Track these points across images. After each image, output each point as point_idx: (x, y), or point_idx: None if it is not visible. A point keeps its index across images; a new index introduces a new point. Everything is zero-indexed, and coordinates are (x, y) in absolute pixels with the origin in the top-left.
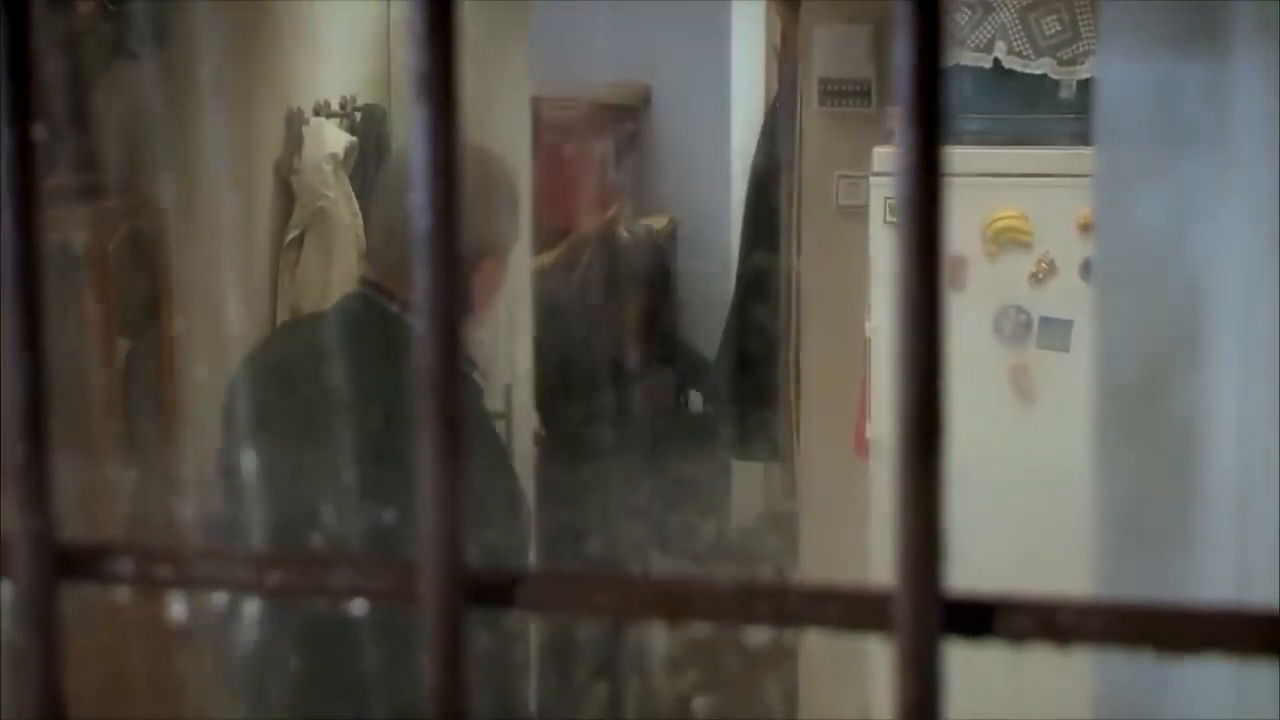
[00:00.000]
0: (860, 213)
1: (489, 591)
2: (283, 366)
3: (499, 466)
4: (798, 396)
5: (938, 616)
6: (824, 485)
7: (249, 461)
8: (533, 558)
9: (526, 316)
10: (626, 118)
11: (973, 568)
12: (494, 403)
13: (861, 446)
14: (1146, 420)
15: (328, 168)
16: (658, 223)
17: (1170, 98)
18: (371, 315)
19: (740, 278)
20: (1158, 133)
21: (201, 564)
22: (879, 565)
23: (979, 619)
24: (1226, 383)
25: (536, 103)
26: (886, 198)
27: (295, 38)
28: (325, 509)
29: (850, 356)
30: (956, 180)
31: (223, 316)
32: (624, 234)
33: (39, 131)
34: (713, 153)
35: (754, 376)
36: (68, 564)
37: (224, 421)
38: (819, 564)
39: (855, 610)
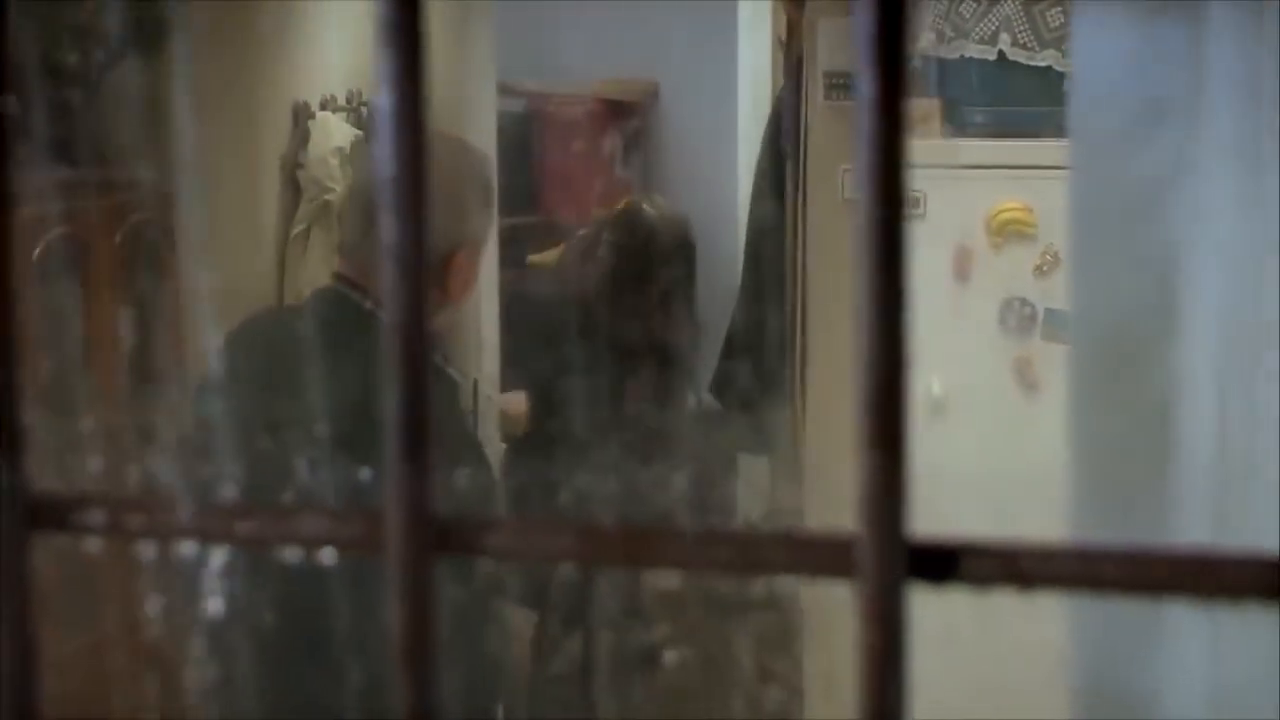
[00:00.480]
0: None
1: (455, 539)
2: (253, 360)
3: (478, 463)
4: (804, 389)
5: (901, 561)
6: (830, 478)
7: (217, 446)
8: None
9: (494, 314)
10: (634, 114)
11: (1027, 630)
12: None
13: None
14: (1123, 387)
15: (334, 162)
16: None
17: (1146, 62)
18: (345, 311)
19: (746, 271)
20: (1133, 97)
21: (172, 514)
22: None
23: (943, 564)
24: (1204, 349)
25: (543, 100)
26: None
27: (302, 32)
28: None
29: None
30: (961, 172)
31: (229, 310)
32: (648, 209)
33: (10, 104)
34: (720, 148)
35: (760, 369)
36: (39, 514)
37: (194, 405)
38: None
39: (819, 556)
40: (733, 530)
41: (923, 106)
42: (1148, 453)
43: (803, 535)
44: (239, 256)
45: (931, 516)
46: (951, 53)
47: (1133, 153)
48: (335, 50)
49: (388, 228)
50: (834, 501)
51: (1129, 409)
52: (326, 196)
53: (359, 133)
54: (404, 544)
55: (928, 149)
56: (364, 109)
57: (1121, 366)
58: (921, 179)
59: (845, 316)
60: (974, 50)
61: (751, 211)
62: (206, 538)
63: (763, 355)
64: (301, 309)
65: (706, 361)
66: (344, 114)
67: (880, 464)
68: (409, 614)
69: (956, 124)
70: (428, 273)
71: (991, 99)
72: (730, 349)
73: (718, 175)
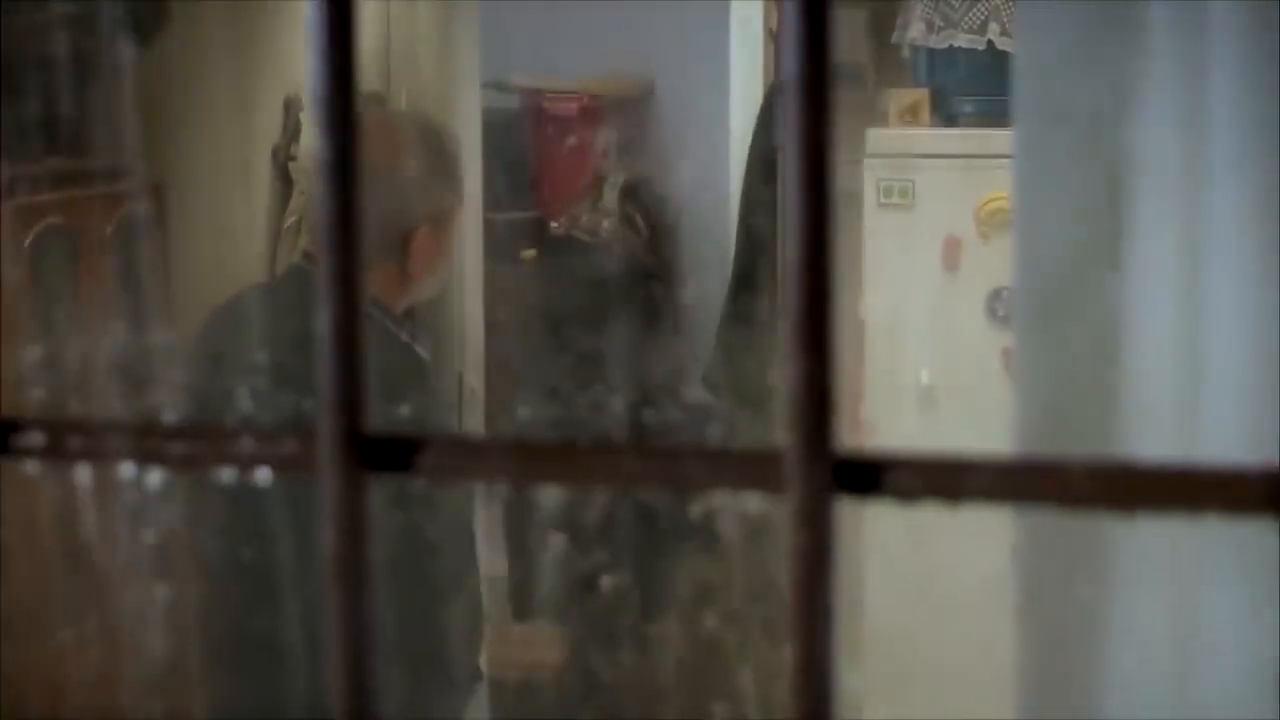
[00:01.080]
0: (854, 196)
1: (387, 457)
2: (227, 334)
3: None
4: None
5: (828, 475)
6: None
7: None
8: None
9: (477, 304)
10: (628, 110)
11: (971, 548)
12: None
13: (856, 430)
14: (1067, 319)
15: None
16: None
17: None
18: (313, 285)
19: (736, 263)
20: (1077, 24)
21: (110, 436)
22: (873, 544)
23: (868, 477)
24: (1148, 280)
25: (535, 96)
26: (880, 180)
27: (294, 24)
28: None
29: (845, 339)
30: (950, 162)
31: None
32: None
33: None
34: (712, 143)
35: (750, 362)
36: None
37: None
38: None
39: (747, 471)
40: (663, 446)
41: (912, 96)
42: (1095, 387)
43: (733, 452)
44: (231, 248)
45: (930, 561)
46: (941, 42)
47: (1077, 79)
48: None
49: (320, 196)
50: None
51: (1072, 340)
52: None
53: None
54: (336, 463)
55: (917, 139)
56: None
57: (1065, 296)
58: (911, 169)
59: (836, 319)
60: (963, 40)
61: (743, 202)
62: (143, 459)
63: (752, 346)
64: (273, 286)
65: (699, 354)
66: None
67: (806, 374)
68: (341, 533)
69: (946, 114)
70: (385, 242)
71: (981, 89)
72: (722, 341)
73: (711, 169)
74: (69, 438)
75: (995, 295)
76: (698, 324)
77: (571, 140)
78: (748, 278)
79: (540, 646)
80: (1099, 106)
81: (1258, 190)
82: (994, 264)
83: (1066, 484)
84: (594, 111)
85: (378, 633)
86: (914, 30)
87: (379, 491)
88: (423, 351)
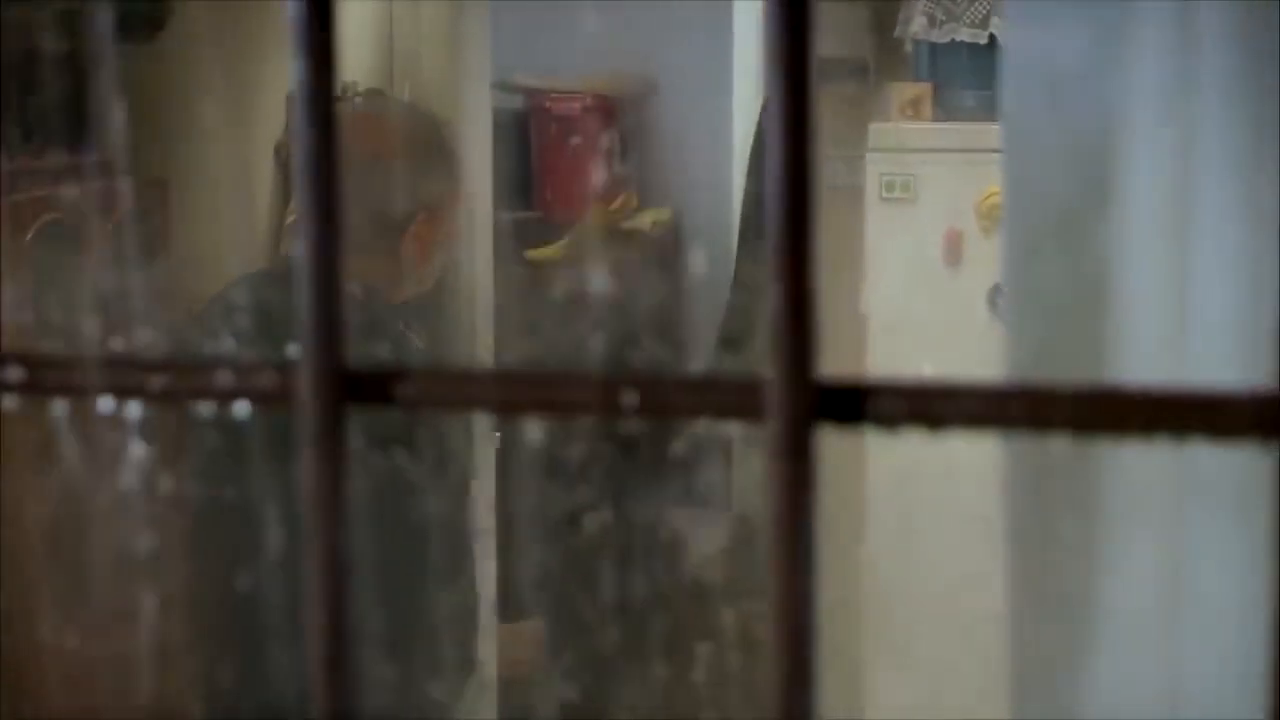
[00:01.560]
0: (856, 191)
1: (367, 388)
2: (226, 317)
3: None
4: None
5: (810, 402)
6: (822, 463)
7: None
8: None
9: (488, 307)
10: (630, 110)
11: (977, 539)
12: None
13: None
14: (1057, 265)
15: None
16: (660, 214)
17: None
18: None
19: (739, 259)
20: None
21: (87, 370)
22: (876, 539)
23: (851, 404)
24: (1138, 224)
25: (539, 95)
26: (882, 174)
27: None
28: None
29: (846, 334)
30: (952, 156)
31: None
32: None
33: None
34: (715, 142)
35: (752, 359)
36: None
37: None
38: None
39: (729, 398)
40: (645, 374)
41: (914, 90)
42: (1080, 332)
43: (714, 379)
44: (232, 243)
45: (926, 499)
46: (943, 36)
47: (1066, 23)
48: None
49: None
50: (824, 484)
51: (1061, 287)
52: None
53: None
54: (315, 394)
55: (919, 133)
56: (357, 99)
57: (1055, 241)
58: (913, 163)
59: (835, 299)
60: (965, 34)
61: (744, 198)
62: (121, 393)
63: (754, 343)
64: (272, 270)
65: (701, 355)
66: (339, 105)
67: (788, 299)
68: (319, 465)
69: (948, 108)
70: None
71: (982, 83)
72: (725, 339)
73: (713, 169)
74: (47, 372)
75: (997, 289)
76: (701, 323)
77: (575, 140)
78: (750, 274)
79: (526, 644)
80: (1088, 55)
81: (1244, 134)
82: (995, 258)
83: (1051, 409)
84: (597, 111)
85: (354, 577)
86: (916, 24)
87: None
88: (418, 341)
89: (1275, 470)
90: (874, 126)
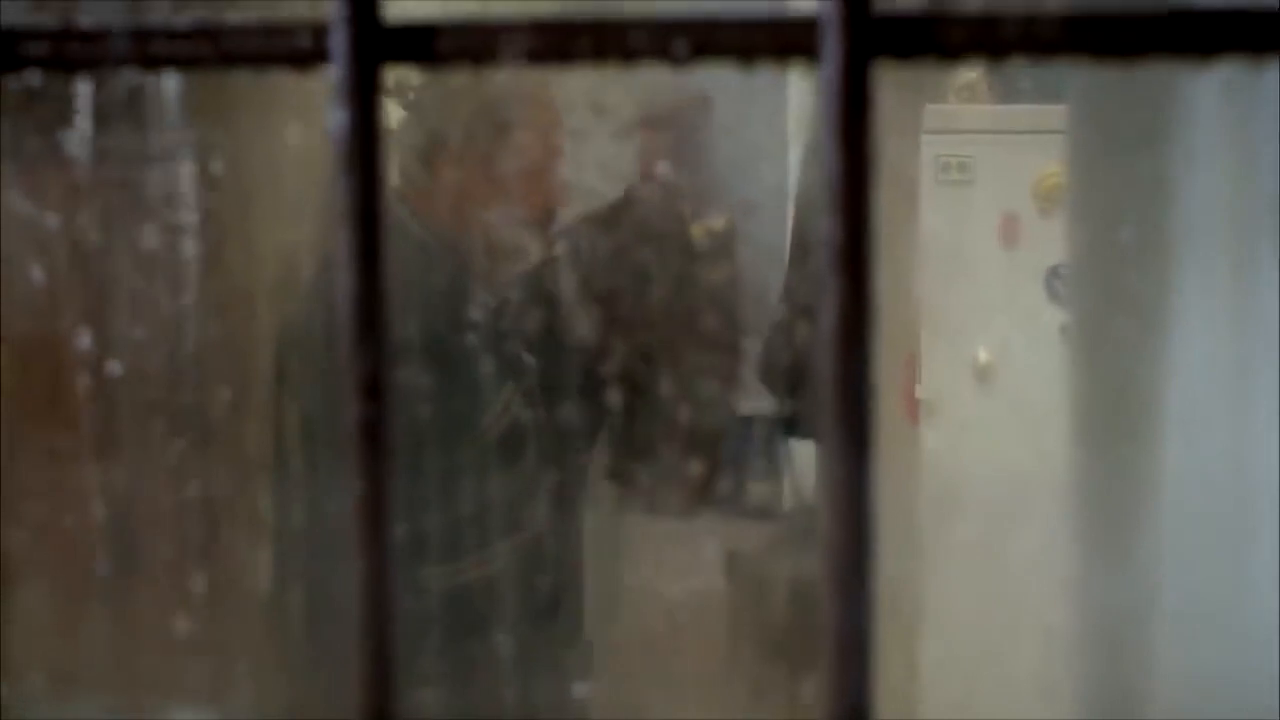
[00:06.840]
0: (910, 174)
1: (405, 45)
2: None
3: None
4: None
5: (867, 35)
6: (882, 458)
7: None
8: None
9: None
10: (689, 124)
11: (1035, 530)
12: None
13: (912, 409)
14: (1121, 294)
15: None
16: (717, 223)
17: None
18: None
19: (793, 245)
20: None
21: (113, 40)
22: (931, 527)
23: (912, 37)
24: (1198, 251)
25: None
26: (937, 155)
27: None
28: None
29: (898, 321)
30: (1006, 137)
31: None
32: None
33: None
34: (770, 147)
35: (805, 351)
36: None
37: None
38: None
39: (783, 37)
40: (697, 17)
41: (969, 72)
42: (1148, 363)
43: (767, 20)
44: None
45: (977, 483)
46: None
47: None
48: None
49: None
50: (879, 473)
51: (1127, 320)
52: None
53: (404, 113)
54: (351, 51)
55: (974, 114)
56: (411, 94)
57: (1119, 275)
58: (968, 144)
59: (889, 284)
60: None
61: (799, 187)
62: (148, 63)
63: (807, 333)
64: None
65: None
66: (392, 100)
67: None
68: (355, 125)
69: (1003, 89)
70: None
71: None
72: (777, 331)
73: (770, 175)
74: (72, 44)
75: (1053, 272)
76: (755, 335)
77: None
78: (801, 259)
79: None
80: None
81: None
82: (1052, 240)
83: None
84: (649, 124)
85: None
86: (972, 5)
87: None
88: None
89: None
90: (930, 108)
